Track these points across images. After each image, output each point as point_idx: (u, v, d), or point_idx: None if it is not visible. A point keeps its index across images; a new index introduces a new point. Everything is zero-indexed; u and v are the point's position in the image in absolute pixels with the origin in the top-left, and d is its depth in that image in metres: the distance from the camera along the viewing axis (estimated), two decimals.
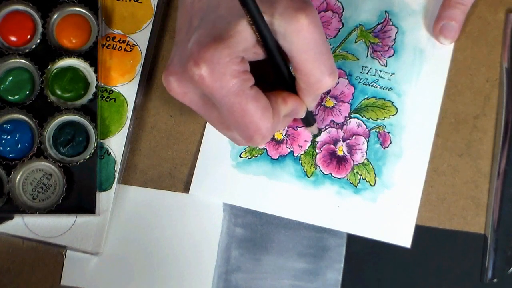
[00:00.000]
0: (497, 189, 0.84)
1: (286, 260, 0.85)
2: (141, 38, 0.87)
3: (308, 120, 0.82)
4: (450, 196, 0.85)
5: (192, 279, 0.84)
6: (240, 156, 0.86)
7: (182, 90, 0.69)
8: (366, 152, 0.86)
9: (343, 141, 0.86)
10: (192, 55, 0.66)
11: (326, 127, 0.86)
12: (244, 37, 0.65)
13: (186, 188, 0.86)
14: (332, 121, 0.86)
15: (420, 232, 0.84)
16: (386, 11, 0.88)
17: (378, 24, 0.88)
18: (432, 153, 0.85)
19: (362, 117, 0.86)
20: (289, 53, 0.68)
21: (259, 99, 0.68)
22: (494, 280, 0.83)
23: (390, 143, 0.86)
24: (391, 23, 0.87)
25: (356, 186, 0.85)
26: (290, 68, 0.71)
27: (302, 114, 0.75)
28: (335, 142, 0.86)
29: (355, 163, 0.85)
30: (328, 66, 0.69)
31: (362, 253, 0.84)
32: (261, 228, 0.85)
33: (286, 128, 0.86)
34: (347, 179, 0.85)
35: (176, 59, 0.69)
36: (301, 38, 0.66)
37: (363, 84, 0.87)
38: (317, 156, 0.86)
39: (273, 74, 0.71)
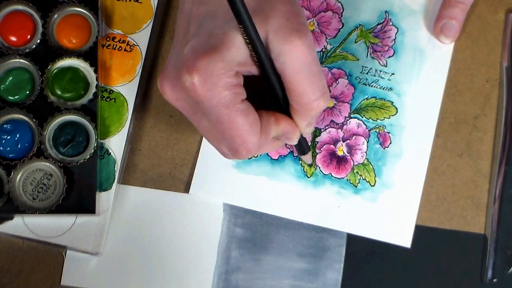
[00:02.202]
0: (497, 189, 0.84)
1: (286, 260, 0.85)
2: (141, 38, 0.88)
3: (302, 147, 0.81)
4: (450, 196, 0.85)
5: (192, 279, 0.84)
6: None
7: (174, 96, 0.69)
8: (366, 152, 0.86)
9: (343, 141, 0.86)
10: (186, 63, 0.66)
11: (326, 127, 0.86)
12: (240, 52, 0.66)
13: (186, 188, 0.86)
14: (332, 121, 0.86)
15: (420, 232, 0.84)
16: (386, 11, 0.88)
17: (378, 24, 0.88)
18: (432, 153, 0.85)
19: (362, 117, 0.86)
20: (282, 73, 0.68)
21: (249, 114, 0.68)
22: (494, 280, 0.83)
23: (390, 143, 0.86)
24: (391, 23, 0.88)
25: (356, 186, 0.85)
26: None
27: (295, 140, 0.75)
28: (335, 142, 0.86)
29: (355, 163, 0.85)
30: (320, 87, 0.69)
31: (362, 253, 0.84)
32: (261, 228, 0.85)
33: None
34: (347, 179, 0.85)
35: (171, 63, 0.69)
36: (294, 58, 0.66)
37: (363, 84, 0.87)
38: (317, 156, 0.86)
39: (268, 94, 0.71)
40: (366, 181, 0.85)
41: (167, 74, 0.68)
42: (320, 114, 0.86)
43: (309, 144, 0.84)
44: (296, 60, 0.66)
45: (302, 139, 0.77)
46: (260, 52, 0.66)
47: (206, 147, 0.86)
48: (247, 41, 0.65)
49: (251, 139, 0.68)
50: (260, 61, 0.67)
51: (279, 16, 0.66)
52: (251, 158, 0.86)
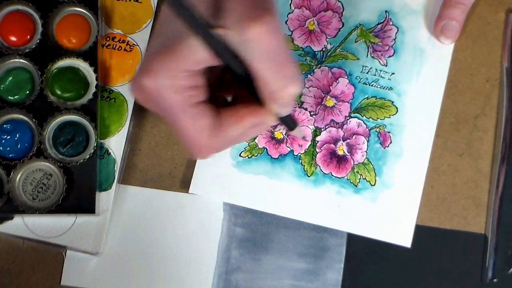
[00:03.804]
0: (497, 189, 0.84)
1: (286, 260, 0.84)
2: (141, 38, 0.88)
3: (288, 123, 0.77)
4: (450, 196, 0.85)
5: (192, 279, 0.84)
6: (240, 155, 0.86)
7: (141, 98, 0.67)
8: (366, 151, 0.85)
9: (343, 141, 0.86)
10: (144, 65, 0.65)
11: (326, 127, 0.86)
12: (195, 51, 0.63)
13: (186, 188, 0.86)
14: (332, 120, 0.86)
15: (421, 232, 0.84)
16: (386, 11, 0.88)
17: (378, 24, 0.88)
18: (432, 153, 0.85)
19: (362, 116, 0.86)
20: (247, 63, 0.65)
21: (199, 118, 0.66)
22: (495, 280, 0.83)
23: (390, 142, 0.86)
24: (391, 23, 0.87)
25: (356, 186, 0.85)
26: None
27: (270, 123, 0.71)
28: (335, 141, 0.86)
29: (355, 163, 0.85)
30: (287, 75, 0.66)
31: (362, 253, 0.84)
32: (261, 228, 0.85)
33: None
34: (347, 179, 0.85)
35: (139, 67, 0.68)
36: (255, 47, 0.63)
37: (363, 83, 0.86)
38: (317, 156, 0.86)
39: (235, 82, 0.69)
40: (367, 180, 0.85)
41: (134, 78, 0.66)
42: (322, 112, 0.86)
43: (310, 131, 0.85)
44: (258, 48, 0.63)
45: (284, 118, 0.72)
46: (215, 46, 0.63)
47: None
48: (199, 36, 0.62)
49: (201, 142, 0.67)
50: (219, 55, 0.64)
51: (239, 5, 0.63)
52: (251, 157, 0.86)
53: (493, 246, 0.83)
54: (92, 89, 0.85)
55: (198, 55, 0.63)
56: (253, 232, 0.85)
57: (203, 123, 0.67)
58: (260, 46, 0.63)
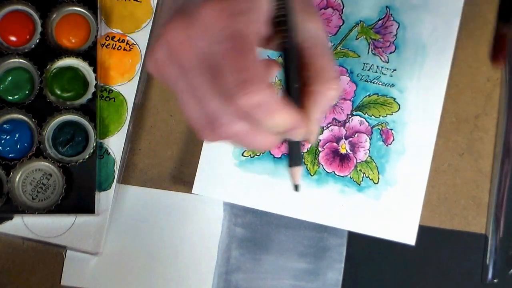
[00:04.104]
0: (498, 189, 0.83)
1: (286, 260, 0.84)
2: (141, 38, 0.87)
3: (297, 154, 0.65)
4: (451, 196, 0.84)
5: (192, 279, 0.84)
6: (242, 155, 0.86)
7: (183, 45, 0.56)
8: (369, 149, 0.85)
9: (346, 139, 0.85)
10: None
11: (328, 125, 0.86)
12: (266, 6, 0.58)
13: (186, 188, 0.85)
14: (334, 119, 0.86)
15: (421, 232, 0.83)
16: (387, 6, 0.87)
17: (379, 20, 0.87)
18: (433, 153, 0.84)
19: (364, 114, 0.85)
20: (306, 45, 0.62)
21: (265, 60, 0.58)
22: (495, 280, 0.82)
23: (393, 140, 0.85)
24: (392, 19, 0.87)
25: (359, 184, 0.84)
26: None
27: (301, 133, 0.62)
28: (337, 140, 0.85)
29: (358, 161, 0.85)
30: (335, 67, 0.62)
31: (363, 253, 0.84)
32: (262, 228, 0.85)
33: None
34: (350, 177, 0.85)
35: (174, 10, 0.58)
36: (316, 31, 0.62)
37: (365, 81, 0.86)
38: (320, 154, 0.85)
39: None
40: (370, 178, 0.84)
41: (164, 30, 0.57)
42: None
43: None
44: (317, 32, 0.62)
45: (294, 146, 0.64)
46: (287, 13, 0.60)
47: (208, 145, 0.86)
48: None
49: (259, 78, 0.55)
50: (286, 24, 0.60)
51: None
52: (254, 156, 0.85)
53: (494, 246, 0.83)
54: (92, 88, 0.85)
55: (264, 6, 0.58)
56: (253, 232, 0.85)
57: (268, 64, 0.59)
58: (320, 32, 0.62)
